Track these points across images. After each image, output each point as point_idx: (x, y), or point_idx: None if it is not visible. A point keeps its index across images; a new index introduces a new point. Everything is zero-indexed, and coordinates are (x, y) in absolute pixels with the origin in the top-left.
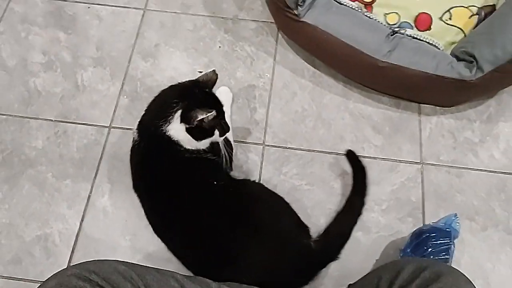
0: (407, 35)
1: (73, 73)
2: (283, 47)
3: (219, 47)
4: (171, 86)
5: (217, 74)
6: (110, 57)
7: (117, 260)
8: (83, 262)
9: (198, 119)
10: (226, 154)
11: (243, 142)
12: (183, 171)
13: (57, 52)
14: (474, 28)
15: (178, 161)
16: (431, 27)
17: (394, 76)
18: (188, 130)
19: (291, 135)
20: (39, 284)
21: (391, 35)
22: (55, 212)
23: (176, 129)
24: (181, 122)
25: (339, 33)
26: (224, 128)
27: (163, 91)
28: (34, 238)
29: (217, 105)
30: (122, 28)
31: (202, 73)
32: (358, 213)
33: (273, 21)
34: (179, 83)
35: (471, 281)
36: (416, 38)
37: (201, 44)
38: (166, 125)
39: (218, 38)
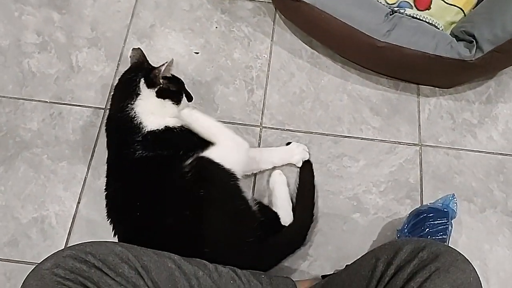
0: (406, 14)
1: (67, 54)
2: (281, 27)
3: (216, 27)
4: (120, 77)
5: (139, 49)
6: (105, 38)
7: (114, 242)
8: (80, 243)
9: (161, 72)
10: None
11: (240, 124)
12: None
13: (51, 33)
14: (474, 7)
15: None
16: (431, 6)
17: (393, 56)
18: (159, 93)
19: (289, 116)
20: (35, 265)
21: (390, 15)
22: (51, 194)
23: (145, 99)
24: (148, 87)
25: (337, 12)
26: (190, 95)
27: (116, 85)
28: (31, 220)
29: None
30: (117, 8)
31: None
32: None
33: (270, 1)
34: (125, 71)
35: (469, 261)
36: (415, 18)
37: (197, 25)
38: (133, 101)
39: (215, 18)
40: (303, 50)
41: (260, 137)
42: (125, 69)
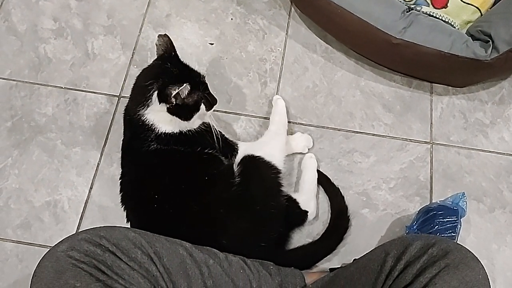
0: (423, 12)
1: (83, 40)
2: (296, 21)
3: (231, 19)
4: (144, 69)
5: (166, 35)
6: (121, 26)
7: (127, 227)
8: (94, 227)
9: (173, 95)
10: (217, 133)
11: (252, 116)
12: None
13: (68, 19)
14: (491, 7)
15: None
16: (448, 5)
17: (408, 53)
18: (170, 110)
19: (301, 110)
20: (50, 248)
21: (407, 12)
22: (64, 179)
23: (156, 111)
24: (160, 103)
25: (353, 8)
26: (210, 101)
27: (138, 76)
28: (44, 203)
29: (194, 77)
30: None
31: (157, 44)
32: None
33: None
34: (150, 64)
35: (478, 259)
36: (432, 16)
37: (213, 16)
38: (144, 109)
39: (231, 10)
40: (318, 44)
41: None
42: (154, 59)
